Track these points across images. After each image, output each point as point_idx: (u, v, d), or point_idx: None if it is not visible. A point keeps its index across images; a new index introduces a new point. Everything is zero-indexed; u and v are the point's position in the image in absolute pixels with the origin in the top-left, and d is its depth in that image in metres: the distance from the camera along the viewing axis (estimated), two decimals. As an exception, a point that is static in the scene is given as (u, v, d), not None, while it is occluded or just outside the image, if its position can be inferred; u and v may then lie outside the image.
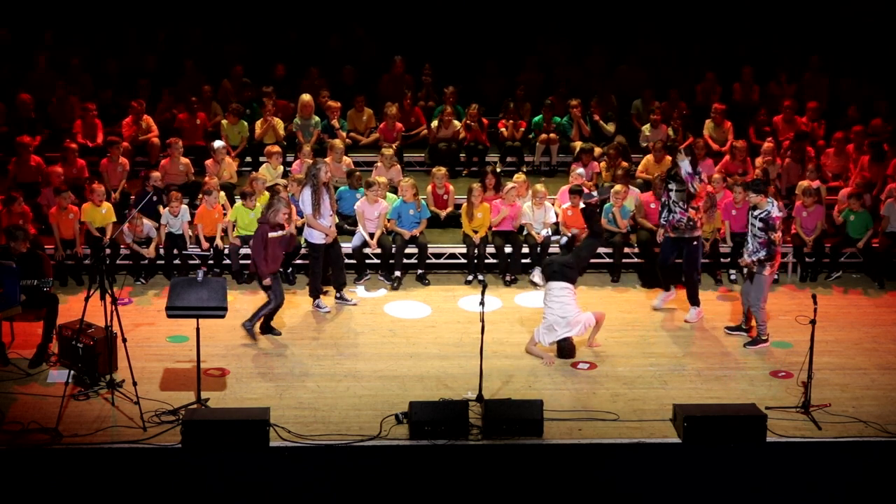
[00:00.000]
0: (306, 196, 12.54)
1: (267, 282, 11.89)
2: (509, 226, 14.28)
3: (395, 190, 14.54)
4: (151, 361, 11.40)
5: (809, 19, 19.07)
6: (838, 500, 9.67)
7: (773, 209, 11.82)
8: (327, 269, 13.03)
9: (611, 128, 16.70)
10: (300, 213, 13.99)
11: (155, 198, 14.01)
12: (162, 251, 13.84)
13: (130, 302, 13.14)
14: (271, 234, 11.87)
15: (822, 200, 14.61)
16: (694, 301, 12.86)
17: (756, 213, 11.86)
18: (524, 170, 16.05)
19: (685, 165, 12.41)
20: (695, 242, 12.64)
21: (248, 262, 13.76)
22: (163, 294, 12.82)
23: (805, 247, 14.28)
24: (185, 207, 13.96)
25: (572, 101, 16.68)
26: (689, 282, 12.82)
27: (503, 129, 16.61)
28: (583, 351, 11.91)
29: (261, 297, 12.45)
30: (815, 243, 14.28)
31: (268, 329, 12.25)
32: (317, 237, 12.65)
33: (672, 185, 12.64)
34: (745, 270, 12.13)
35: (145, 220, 13.78)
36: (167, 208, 13.91)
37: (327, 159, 14.98)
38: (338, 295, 13.17)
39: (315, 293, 12.96)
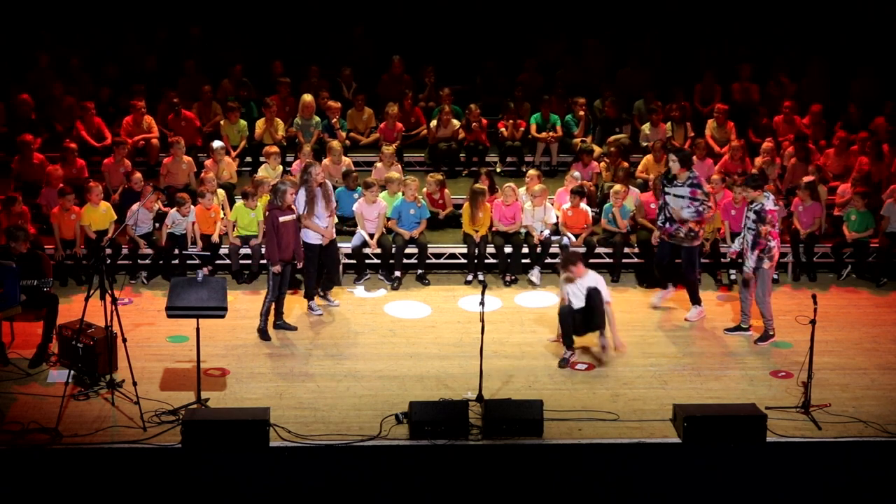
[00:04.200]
0: (300, 197, 12.54)
1: (276, 269, 11.85)
2: (509, 223, 14.22)
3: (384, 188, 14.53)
4: (151, 361, 11.40)
5: (810, 19, 19.05)
6: (838, 500, 9.67)
7: (768, 203, 11.90)
8: (322, 271, 12.98)
9: (625, 133, 16.67)
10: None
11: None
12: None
13: (130, 302, 13.14)
14: (282, 219, 11.86)
15: (819, 198, 14.58)
16: (695, 300, 12.88)
17: (751, 205, 11.98)
18: (524, 169, 16.02)
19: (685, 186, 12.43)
20: (695, 244, 12.65)
21: (249, 261, 13.81)
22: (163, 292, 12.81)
23: (801, 240, 14.23)
24: (193, 209, 13.96)
25: (579, 98, 16.65)
26: (689, 283, 12.83)
27: (503, 129, 16.60)
28: (584, 351, 11.93)
29: (261, 298, 12.43)
30: (807, 240, 14.22)
31: (282, 325, 12.24)
32: (311, 237, 12.62)
33: (668, 189, 12.63)
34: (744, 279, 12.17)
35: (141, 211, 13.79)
36: (175, 209, 13.87)
37: (326, 160, 15.03)
38: (321, 294, 13.14)
39: (309, 294, 12.94)
